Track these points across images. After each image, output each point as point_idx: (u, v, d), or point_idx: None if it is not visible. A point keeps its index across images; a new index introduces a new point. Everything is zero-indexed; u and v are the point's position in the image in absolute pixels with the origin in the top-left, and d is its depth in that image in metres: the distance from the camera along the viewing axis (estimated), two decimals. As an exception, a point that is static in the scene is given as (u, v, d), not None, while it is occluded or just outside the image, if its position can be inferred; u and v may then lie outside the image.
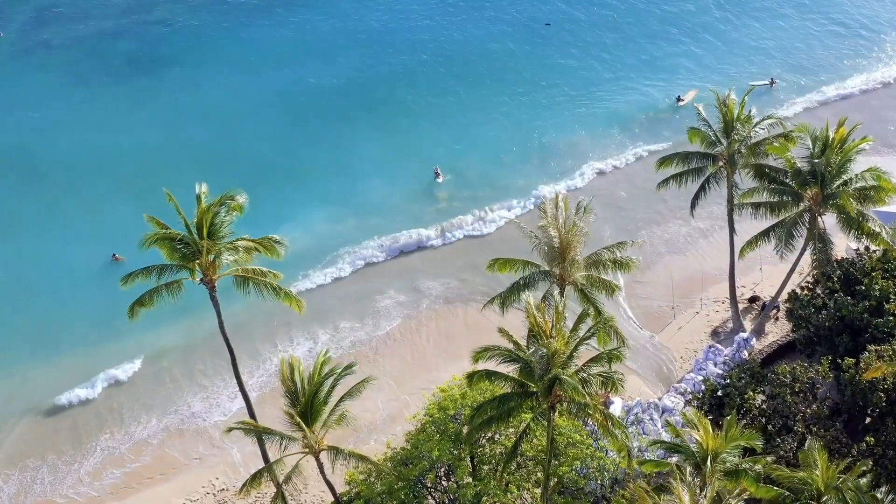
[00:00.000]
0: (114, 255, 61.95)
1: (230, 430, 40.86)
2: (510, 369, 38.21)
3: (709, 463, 35.95)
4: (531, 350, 36.94)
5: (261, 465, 45.94)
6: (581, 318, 38.69)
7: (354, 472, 42.67)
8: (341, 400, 39.35)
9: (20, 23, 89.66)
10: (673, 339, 57.81)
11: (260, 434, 41.31)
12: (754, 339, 55.65)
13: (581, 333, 37.80)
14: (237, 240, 42.03)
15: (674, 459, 38.32)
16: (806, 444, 38.81)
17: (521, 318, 38.87)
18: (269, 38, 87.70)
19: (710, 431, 36.80)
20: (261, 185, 67.58)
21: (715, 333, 57.81)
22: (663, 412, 50.98)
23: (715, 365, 53.97)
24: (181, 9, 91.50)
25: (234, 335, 43.77)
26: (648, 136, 75.49)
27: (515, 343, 37.90)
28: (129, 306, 41.57)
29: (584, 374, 36.99)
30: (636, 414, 49.78)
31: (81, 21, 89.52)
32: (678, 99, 78.28)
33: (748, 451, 39.37)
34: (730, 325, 57.93)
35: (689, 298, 60.57)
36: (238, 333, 44.44)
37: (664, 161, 54.97)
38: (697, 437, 36.77)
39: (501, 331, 38.04)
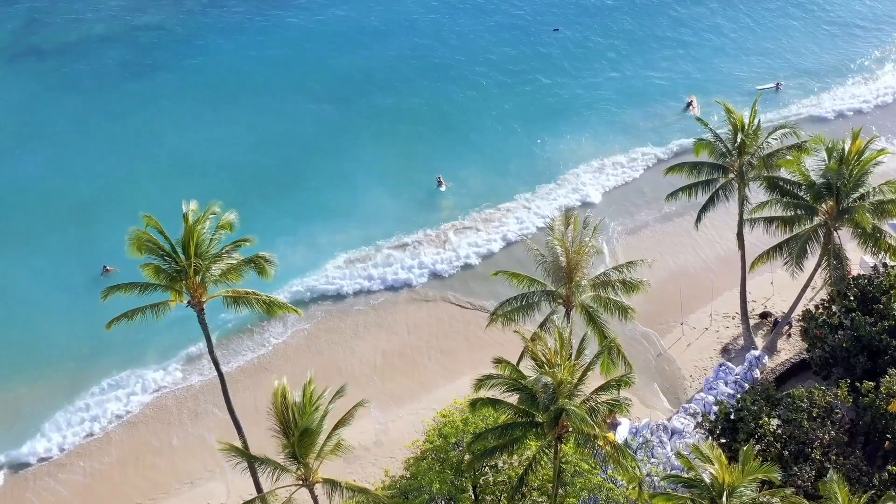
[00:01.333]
0: (105, 266, 59.98)
1: (223, 449, 38.91)
2: (515, 398, 36.45)
3: (724, 499, 34.06)
4: (533, 378, 35.15)
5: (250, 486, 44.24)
6: (585, 343, 36.94)
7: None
8: (335, 427, 37.35)
9: (10, 28, 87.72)
10: (682, 355, 55.88)
11: (252, 462, 39.39)
12: (766, 357, 53.69)
13: (586, 359, 36.16)
14: (222, 251, 39.83)
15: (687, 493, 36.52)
16: (827, 476, 37.06)
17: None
18: (266, 43, 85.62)
19: (726, 464, 34.94)
20: (259, 195, 66.04)
21: (725, 351, 55.87)
22: (672, 434, 49.12)
23: (726, 384, 52.09)
24: (174, 13, 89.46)
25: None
26: (656, 142, 73.48)
27: (517, 370, 36.20)
28: (109, 321, 39.76)
29: (592, 404, 35.19)
30: (644, 438, 47.88)
31: (73, 26, 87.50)
32: (688, 105, 76.16)
33: (765, 482, 37.55)
34: (741, 341, 55.99)
35: (697, 313, 58.62)
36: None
37: (672, 169, 53.16)
38: (712, 471, 34.90)
39: (500, 361, 36.18)
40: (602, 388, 35.80)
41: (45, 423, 52.14)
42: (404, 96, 77.78)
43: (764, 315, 57.64)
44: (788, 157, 48.69)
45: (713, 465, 34.43)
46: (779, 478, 35.83)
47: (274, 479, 37.39)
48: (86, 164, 70.31)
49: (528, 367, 36.40)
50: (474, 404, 36.90)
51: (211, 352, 42.05)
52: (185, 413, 53.39)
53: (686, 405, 51.54)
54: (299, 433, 34.74)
